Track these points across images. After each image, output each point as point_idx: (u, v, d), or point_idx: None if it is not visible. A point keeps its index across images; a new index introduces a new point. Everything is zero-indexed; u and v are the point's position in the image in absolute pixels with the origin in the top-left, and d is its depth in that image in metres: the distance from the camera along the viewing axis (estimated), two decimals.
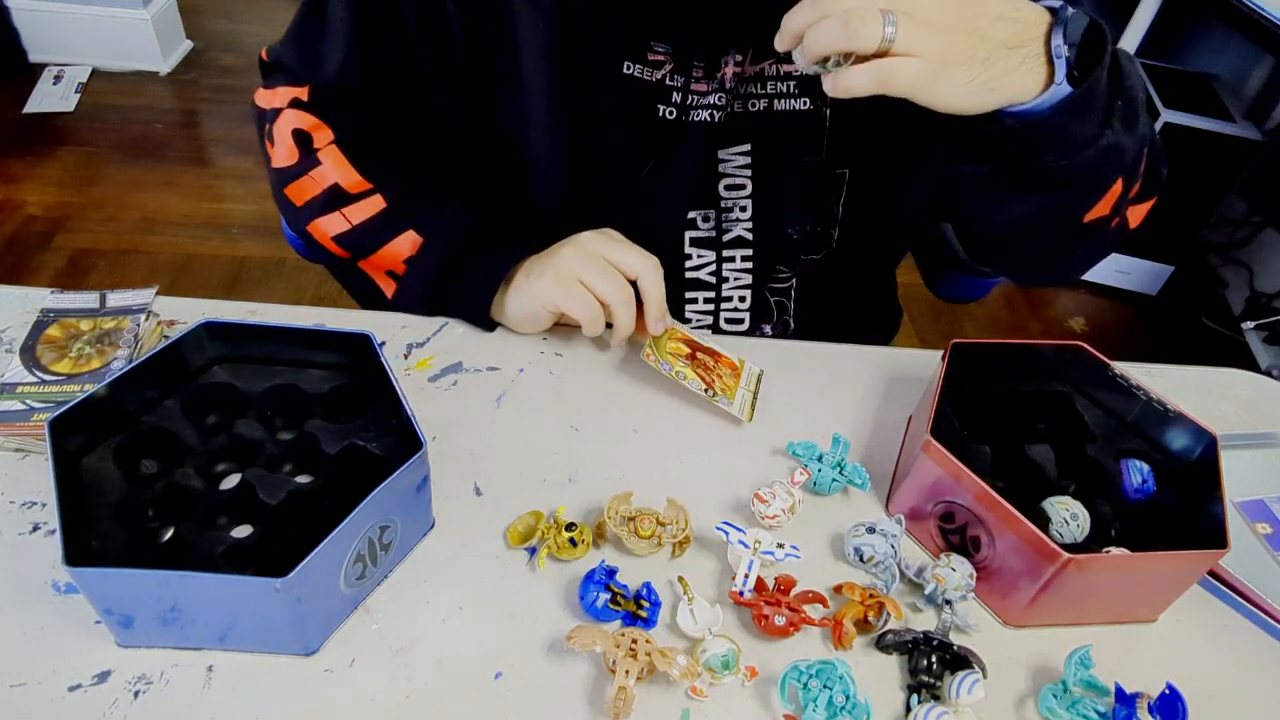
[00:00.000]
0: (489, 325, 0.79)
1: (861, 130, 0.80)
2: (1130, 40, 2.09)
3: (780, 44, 0.59)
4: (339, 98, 0.79)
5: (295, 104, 0.79)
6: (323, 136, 0.78)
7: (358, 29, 0.76)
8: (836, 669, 0.55)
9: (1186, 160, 2.15)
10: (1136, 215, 0.74)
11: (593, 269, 0.73)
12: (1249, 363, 2.12)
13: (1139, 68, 0.62)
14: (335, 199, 0.78)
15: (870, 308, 0.99)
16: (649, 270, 0.74)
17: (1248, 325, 2.18)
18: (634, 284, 0.75)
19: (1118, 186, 0.67)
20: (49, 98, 2.54)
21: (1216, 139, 2.10)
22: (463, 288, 0.78)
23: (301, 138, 0.78)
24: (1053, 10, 0.59)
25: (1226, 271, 2.33)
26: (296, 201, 0.79)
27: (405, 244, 0.77)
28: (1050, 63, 0.58)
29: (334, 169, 0.78)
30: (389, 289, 0.81)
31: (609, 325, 0.75)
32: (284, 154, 0.79)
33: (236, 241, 2.18)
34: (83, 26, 2.61)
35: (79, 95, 2.56)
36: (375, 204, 0.78)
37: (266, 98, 0.81)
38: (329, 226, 0.78)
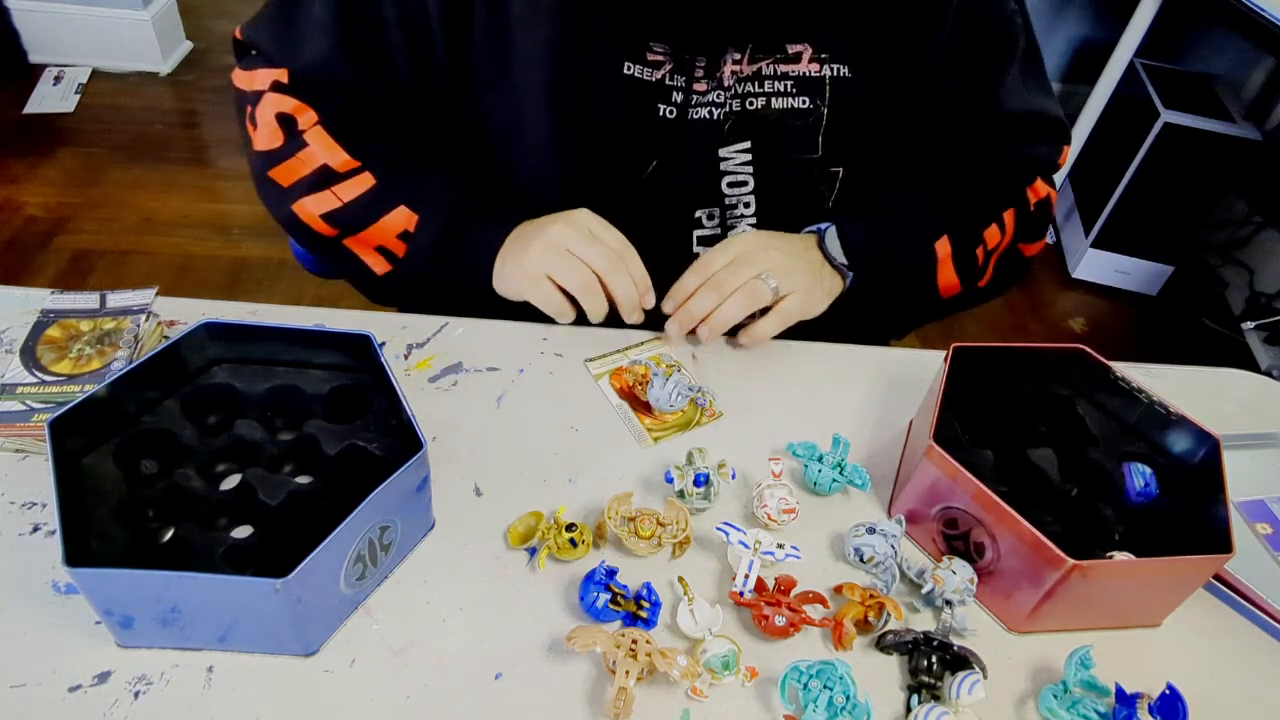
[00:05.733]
0: (490, 292, 0.80)
1: (857, 131, 0.80)
2: (1130, 40, 2.09)
3: (674, 330, 0.78)
4: (320, 83, 0.79)
5: (276, 87, 0.78)
6: (307, 119, 0.78)
7: (340, 22, 0.76)
8: (836, 669, 0.55)
9: (1186, 160, 2.14)
10: (1030, 249, 0.94)
11: (560, 264, 0.75)
12: (1249, 363, 2.12)
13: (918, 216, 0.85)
14: (324, 178, 0.78)
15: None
16: (609, 268, 0.75)
17: (1248, 325, 2.18)
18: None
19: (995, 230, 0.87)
20: (49, 98, 2.54)
21: (1216, 139, 2.10)
22: (465, 259, 0.79)
23: (286, 121, 0.78)
24: (819, 233, 0.82)
25: (1226, 271, 2.33)
26: (284, 183, 0.79)
27: (399, 219, 0.78)
28: (836, 269, 0.82)
29: (322, 150, 0.78)
30: (379, 266, 0.81)
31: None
32: (268, 137, 0.79)
33: (236, 242, 2.18)
34: (83, 27, 2.61)
35: (79, 96, 2.56)
36: (365, 181, 0.78)
37: (245, 79, 0.80)
38: (316, 206, 0.79)
